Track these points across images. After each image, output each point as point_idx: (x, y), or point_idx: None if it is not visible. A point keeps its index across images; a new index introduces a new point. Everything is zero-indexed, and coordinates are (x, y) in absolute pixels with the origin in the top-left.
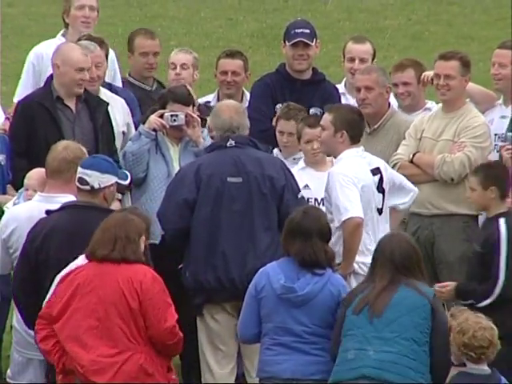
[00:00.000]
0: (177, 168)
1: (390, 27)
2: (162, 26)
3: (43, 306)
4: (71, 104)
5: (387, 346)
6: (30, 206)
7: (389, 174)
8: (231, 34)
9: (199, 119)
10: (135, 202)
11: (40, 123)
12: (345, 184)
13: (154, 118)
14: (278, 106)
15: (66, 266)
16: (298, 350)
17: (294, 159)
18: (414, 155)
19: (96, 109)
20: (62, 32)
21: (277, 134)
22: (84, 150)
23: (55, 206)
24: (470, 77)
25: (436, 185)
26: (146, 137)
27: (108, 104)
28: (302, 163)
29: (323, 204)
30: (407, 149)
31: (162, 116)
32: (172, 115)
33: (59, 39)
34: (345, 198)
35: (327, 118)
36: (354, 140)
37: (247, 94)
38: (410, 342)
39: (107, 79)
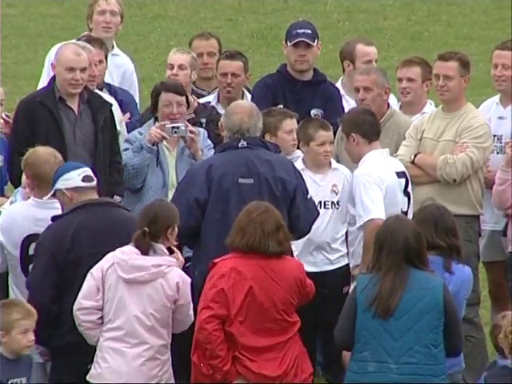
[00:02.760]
0: (173, 175)
1: (390, 28)
2: (162, 27)
3: (207, 304)
4: (73, 105)
5: (407, 356)
6: (24, 210)
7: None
8: (231, 34)
9: (198, 131)
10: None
11: (41, 123)
12: (368, 185)
13: (154, 131)
14: (279, 106)
15: (98, 261)
16: None
17: (292, 158)
18: (415, 156)
19: (98, 110)
20: (83, 34)
21: (283, 134)
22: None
23: (50, 212)
24: (469, 77)
25: (438, 186)
26: (149, 152)
27: (112, 105)
28: (300, 164)
29: (322, 207)
30: (408, 149)
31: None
32: (173, 127)
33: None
34: (368, 198)
35: (340, 129)
36: (369, 137)
37: (248, 95)
38: (428, 348)
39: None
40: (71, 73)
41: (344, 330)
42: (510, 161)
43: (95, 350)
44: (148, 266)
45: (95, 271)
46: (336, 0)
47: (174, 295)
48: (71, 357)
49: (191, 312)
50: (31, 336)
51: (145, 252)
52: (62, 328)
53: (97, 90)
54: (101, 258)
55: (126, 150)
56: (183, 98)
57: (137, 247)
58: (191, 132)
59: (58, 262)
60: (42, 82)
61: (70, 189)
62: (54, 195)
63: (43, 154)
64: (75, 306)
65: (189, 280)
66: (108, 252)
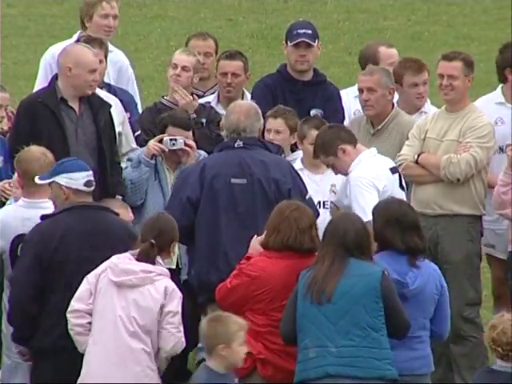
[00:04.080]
0: None
1: (390, 28)
2: (162, 27)
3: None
4: (75, 105)
5: (346, 339)
6: (14, 210)
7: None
8: (231, 34)
9: (195, 146)
10: None
11: (43, 123)
12: (364, 187)
13: (152, 144)
14: (276, 107)
15: (87, 265)
16: (404, 346)
17: (292, 160)
18: (418, 156)
19: (99, 110)
20: (78, 34)
21: (265, 133)
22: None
23: (37, 211)
24: (472, 77)
25: (441, 185)
26: (146, 166)
27: (111, 106)
28: (298, 164)
29: (321, 207)
30: (411, 149)
31: (161, 141)
32: (171, 139)
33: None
34: (364, 201)
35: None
36: (352, 142)
37: (248, 95)
38: (367, 330)
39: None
40: (93, 74)
41: (286, 322)
42: (511, 163)
43: (76, 355)
44: (137, 271)
45: (90, 276)
46: (336, 0)
47: (160, 299)
48: (52, 359)
49: (181, 328)
50: (245, 348)
51: (150, 263)
52: (40, 329)
53: (98, 89)
54: (88, 264)
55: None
56: (190, 133)
57: (142, 259)
58: (188, 145)
59: (42, 262)
60: (40, 83)
61: (70, 188)
62: (49, 185)
63: (34, 152)
64: (68, 309)
65: (178, 291)
66: (97, 258)
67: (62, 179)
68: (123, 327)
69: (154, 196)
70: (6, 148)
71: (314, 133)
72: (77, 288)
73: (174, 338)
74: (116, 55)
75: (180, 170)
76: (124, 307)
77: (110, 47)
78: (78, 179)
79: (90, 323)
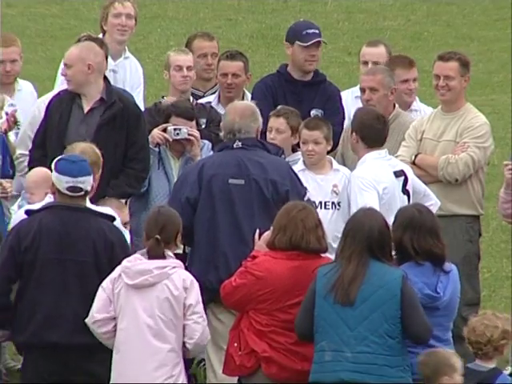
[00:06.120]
0: None
1: (390, 28)
2: (162, 27)
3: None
4: (86, 102)
5: (363, 345)
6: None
7: (411, 179)
8: (231, 34)
9: (199, 135)
10: (133, 216)
11: (55, 118)
12: (364, 187)
13: (157, 133)
14: (279, 107)
15: (55, 267)
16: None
17: (293, 160)
18: (415, 156)
19: (107, 108)
20: (82, 34)
21: (267, 132)
22: (99, 152)
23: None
24: (469, 77)
25: (439, 186)
26: (150, 153)
27: (140, 110)
28: (300, 165)
29: (322, 207)
30: (408, 150)
31: (165, 130)
32: (175, 129)
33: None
34: (363, 201)
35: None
36: (369, 144)
37: (248, 95)
38: (384, 338)
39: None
40: (66, 68)
41: (303, 320)
42: (509, 184)
43: (51, 352)
44: (151, 269)
45: (105, 284)
46: (336, 0)
47: (181, 294)
48: (31, 355)
49: (205, 317)
50: None
51: (161, 258)
52: (16, 325)
53: None
54: (56, 266)
55: None
56: (193, 123)
57: (151, 256)
58: (192, 135)
59: (15, 259)
60: (61, 82)
61: (56, 188)
62: None
63: (74, 149)
64: (89, 320)
65: (195, 281)
66: (65, 260)
67: (53, 176)
68: (147, 329)
69: (158, 183)
70: (5, 146)
71: (305, 132)
72: (47, 288)
73: (201, 326)
74: (135, 62)
75: (185, 157)
76: (147, 308)
77: (128, 54)
78: (62, 182)
79: (115, 325)
